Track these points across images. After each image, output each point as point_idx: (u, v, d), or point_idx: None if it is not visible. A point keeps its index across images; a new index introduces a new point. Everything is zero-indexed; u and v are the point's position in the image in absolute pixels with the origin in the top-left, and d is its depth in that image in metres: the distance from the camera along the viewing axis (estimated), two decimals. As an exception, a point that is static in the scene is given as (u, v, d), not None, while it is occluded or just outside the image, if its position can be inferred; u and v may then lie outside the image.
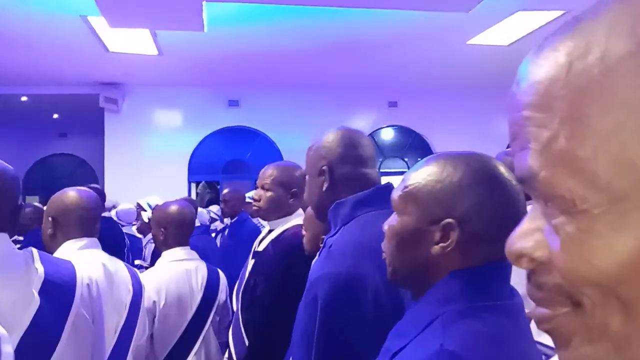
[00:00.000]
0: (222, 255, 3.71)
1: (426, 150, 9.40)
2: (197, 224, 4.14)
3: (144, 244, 4.71)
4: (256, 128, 8.75)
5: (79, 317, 1.28)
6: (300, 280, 1.69)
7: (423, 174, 0.84)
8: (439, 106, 8.98)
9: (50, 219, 1.73)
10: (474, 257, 0.79)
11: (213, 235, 4.77)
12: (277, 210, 1.98)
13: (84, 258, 1.67)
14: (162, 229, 2.23)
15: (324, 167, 1.30)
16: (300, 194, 1.93)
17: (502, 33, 6.09)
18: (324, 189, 1.30)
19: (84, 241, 1.73)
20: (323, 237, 1.65)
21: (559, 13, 5.43)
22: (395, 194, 0.88)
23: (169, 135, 8.45)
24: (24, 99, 8.55)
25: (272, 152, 8.82)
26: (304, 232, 1.81)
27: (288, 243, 1.88)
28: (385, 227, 0.89)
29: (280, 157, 8.70)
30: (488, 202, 0.79)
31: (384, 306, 1.08)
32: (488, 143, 8.92)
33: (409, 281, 0.87)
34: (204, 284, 2.24)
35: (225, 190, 4.75)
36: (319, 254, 1.30)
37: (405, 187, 0.85)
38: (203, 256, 2.41)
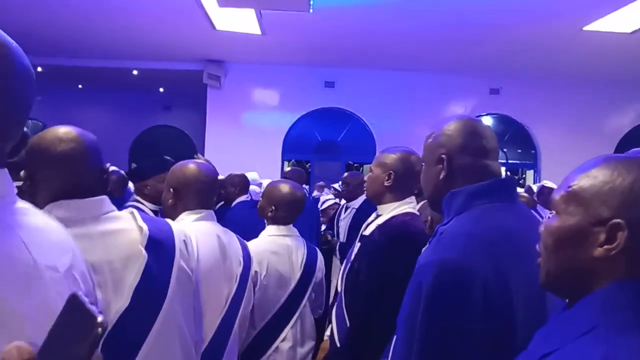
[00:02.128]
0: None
1: (527, 142, 8.95)
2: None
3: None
4: (351, 110, 8.75)
5: (181, 271, 1.34)
6: (405, 267, 1.67)
7: (590, 174, 0.80)
8: (546, 96, 8.49)
9: (171, 189, 1.82)
10: (637, 267, 0.74)
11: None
12: (374, 191, 1.98)
13: (199, 229, 1.74)
14: (273, 206, 2.30)
15: (443, 156, 1.28)
16: (400, 177, 1.93)
17: (624, 19, 5.58)
18: (441, 177, 1.28)
19: (201, 213, 1.81)
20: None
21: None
22: (557, 194, 0.84)
23: (266, 113, 8.67)
24: (134, 72, 9.09)
25: (365, 135, 8.80)
26: (428, 218, 1.77)
27: (394, 230, 1.85)
28: (542, 227, 0.86)
29: (374, 141, 8.65)
30: None
31: (494, 301, 1.03)
32: (596, 139, 8.43)
33: (563, 285, 0.83)
34: (304, 260, 2.29)
35: (346, 174, 4.75)
36: (429, 242, 1.27)
37: (569, 186, 0.82)
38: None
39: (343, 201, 4.54)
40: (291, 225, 2.35)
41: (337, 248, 3.89)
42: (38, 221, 0.79)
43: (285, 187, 2.33)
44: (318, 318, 2.43)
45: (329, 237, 4.14)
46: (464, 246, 1.09)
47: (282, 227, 2.32)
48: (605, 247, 0.75)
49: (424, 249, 1.58)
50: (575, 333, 0.74)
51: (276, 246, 2.27)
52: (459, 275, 1.05)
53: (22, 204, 0.77)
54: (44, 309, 0.68)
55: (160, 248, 1.30)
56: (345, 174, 4.64)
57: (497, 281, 1.04)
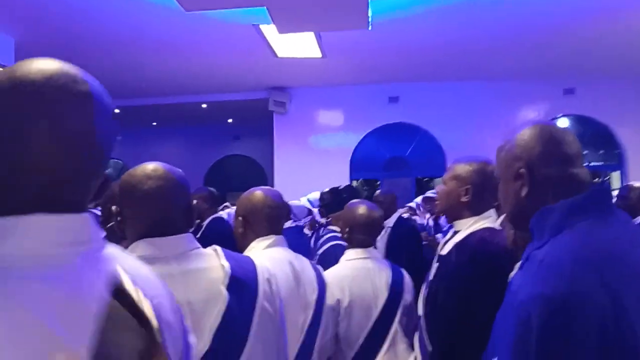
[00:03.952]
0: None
1: (610, 142, 8.40)
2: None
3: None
4: (416, 124, 8.60)
5: (264, 312, 1.29)
6: (485, 287, 1.56)
7: None
8: (624, 94, 7.96)
9: (240, 218, 1.82)
10: None
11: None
12: (449, 206, 1.88)
13: (272, 256, 1.72)
14: (347, 228, 2.25)
15: (522, 170, 1.13)
16: (478, 191, 1.81)
17: None
18: (523, 194, 1.13)
19: (271, 239, 1.79)
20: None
21: None
22: None
23: (332, 134, 8.70)
24: (204, 105, 9.44)
25: (433, 148, 8.60)
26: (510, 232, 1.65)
27: (473, 249, 1.72)
28: None
29: (443, 154, 8.44)
30: None
31: (612, 335, 0.89)
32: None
33: None
34: (389, 283, 2.19)
35: (377, 192, 4.69)
36: (521, 267, 1.12)
37: None
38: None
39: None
40: (372, 247, 2.29)
41: None
42: (132, 265, 0.78)
43: (361, 208, 2.27)
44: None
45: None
46: (574, 275, 0.95)
47: (360, 249, 2.25)
48: None
49: (514, 273, 1.45)
50: None
51: (357, 271, 2.19)
52: (573, 310, 0.92)
53: (112, 249, 0.76)
54: None
55: (242, 288, 1.26)
56: (377, 192, 4.56)
57: (614, 312, 0.90)
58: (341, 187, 3.60)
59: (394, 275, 2.23)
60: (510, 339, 0.99)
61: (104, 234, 0.75)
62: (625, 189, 3.93)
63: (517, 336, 0.97)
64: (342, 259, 2.27)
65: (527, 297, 0.97)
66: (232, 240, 1.84)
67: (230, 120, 11.25)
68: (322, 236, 3.30)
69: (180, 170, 1.31)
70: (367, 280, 2.17)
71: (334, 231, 3.11)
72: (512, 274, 1.31)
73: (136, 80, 7.81)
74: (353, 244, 2.26)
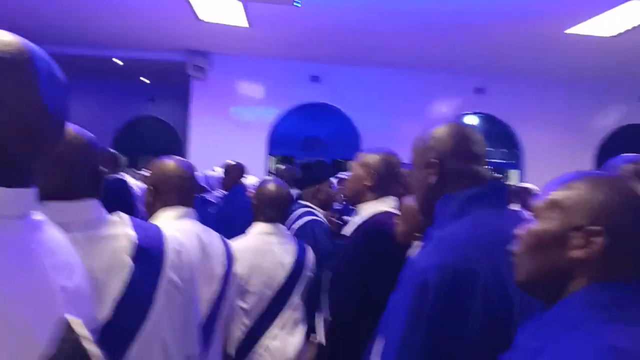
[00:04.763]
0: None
1: (512, 142, 9.00)
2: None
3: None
4: (336, 106, 8.71)
5: (170, 283, 1.27)
6: (382, 264, 1.69)
7: (571, 186, 0.88)
8: (530, 96, 8.55)
9: (151, 187, 1.78)
10: (615, 270, 0.82)
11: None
12: (355, 189, 2.02)
13: (179, 227, 1.70)
14: (257, 202, 2.33)
15: (434, 160, 1.27)
16: (381, 178, 1.95)
17: (606, 23, 5.64)
18: (431, 182, 1.28)
19: (180, 210, 1.77)
20: (417, 234, 1.62)
21: (680, 4, 4.95)
22: (538, 200, 0.91)
23: (252, 106, 8.60)
24: (117, 61, 8.94)
25: (350, 131, 8.77)
26: (397, 223, 1.78)
27: (373, 229, 1.89)
28: (521, 230, 0.92)
29: (359, 138, 8.63)
30: (636, 219, 0.83)
31: (494, 303, 1.08)
32: (579, 140, 8.53)
33: (540, 286, 0.89)
34: (293, 258, 2.29)
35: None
36: (423, 246, 1.26)
37: (551, 194, 0.89)
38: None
39: None
40: (279, 223, 2.34)
41: None
42: (52, 237, 0.78)
43: (271, 185, 2.35)
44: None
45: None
46: (467, 250, 1.12)
47: (267, 224, 2.31)
48: (584, 250, 0.82)
49: (410, 251, 1.58)
50: (561, 330, 0.81)
51: (260, 244, 2.27)
52: (463, 279, 1.08)
53: (39, 217, 0.77)
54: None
55: (148, 258, 1.23)
56: (282, 166, 4.67)
57: (497, 285, 1.08)
58: (312, 162, 3.60)
59: (298, 251, 2.33)
60: (408, 301, 1.13)
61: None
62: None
63: (414, 298, 1.11)
64: (249, 231, 2.33)
65: (425, 265, 1.14)
66: (129, 204, 1.78)
67: (145, 80, 10.77)
68: (294, 210, 3.32)
69: (91, 134, 1.25)
70: (270, 254, 2.25)
71: (308, 206, 3.13)
72: (413, 251, 1.48)
73: (45, 26, 7.20)
74: (261, 219, 2.31)
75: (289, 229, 3.19)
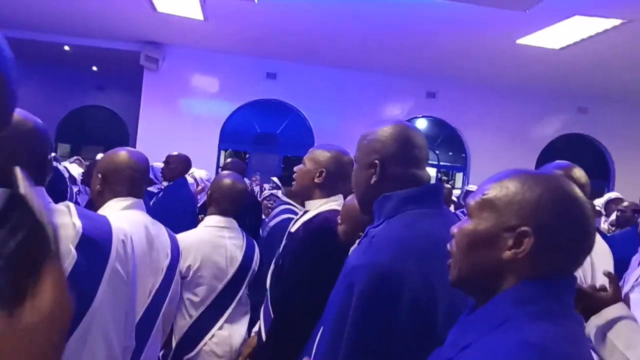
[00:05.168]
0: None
1: (459, 146, 9.28)
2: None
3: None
4: (291, 103, 8.73)
5: (114, 273, 1.27)
6: (328, 262, 1.70)
7: (504, 185, 0.88)
8: (478, 103, 8.84)
9: (99, 175, 1.75)
10: (544, 267, 0.84)
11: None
12: (304, 185, 1.97)
13: (127, 218, 1.68)
14: (211, 194, 2.33)
15: (376, 161, 1.30)
16: (331, 175, 1.92)
17: (554, 36, 5.91)
18: (372, 182, 1.30)
19: (129, 201, 1.75)
20: (360, 233, 1.65)
21: (617, 22, 5.25)
22: (472, 200, 0.92)
23: (205, 100, 8.49)
24: (66, 48, 8.64)
25: (304, 129, 8.81)
26: (340, 222, 1.80)
27: (319, 226, 1.88)
28: (455, 229, 0.92)
29: (312, 135, 8.68)
30: (563, 218, 0.84)
31: (420, 304, 1.10)
32: (522, 146, 8.88)
33: (473, 284, 0.90)
34: (241, 253, 2.31)
35: (228, 160, 4.74)
36: (359, 243, 1.31)
37: (484, 194, 0.89)
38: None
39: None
40: (231, 217, 2.35)
41: None
42: None
43: (226, 179, 2.33)
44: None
45: None
46: (395, 251, 1.14)
47: (221, 218, 2.31)
48: (513, 250, 0.84)
49: (351, 248, 1.62)
50: (492, 325, 0.83)
51: (213, 237, 2.27)
52: (390, 280, 1.10)
53: None
54: None
55: (94, 248, 1.21)
56: (228, 160, 4.63)
57: (424, 286, 1.10)
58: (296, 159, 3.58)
59: (247, 246, 2.35)
60: (339, 297, 1.17)
61: None
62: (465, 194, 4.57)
63: (344, 295, 1.15)
64: (201, 224, 2.33)
65: (356, 264, 1.17)
66: (62, 192, 1.72)
67: (94, 68, 10.44)
68: (276, 207, 3.28)
69: (39, 119, 1.22)
70: (221, 248, 2.26)
71: (289, 204, 3.11)
72: (352, 248, 1.52)
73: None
74: (215, 212, 2.32)
75: (267, 225, 3.20)
